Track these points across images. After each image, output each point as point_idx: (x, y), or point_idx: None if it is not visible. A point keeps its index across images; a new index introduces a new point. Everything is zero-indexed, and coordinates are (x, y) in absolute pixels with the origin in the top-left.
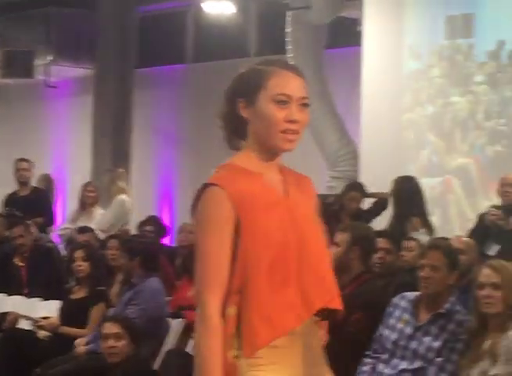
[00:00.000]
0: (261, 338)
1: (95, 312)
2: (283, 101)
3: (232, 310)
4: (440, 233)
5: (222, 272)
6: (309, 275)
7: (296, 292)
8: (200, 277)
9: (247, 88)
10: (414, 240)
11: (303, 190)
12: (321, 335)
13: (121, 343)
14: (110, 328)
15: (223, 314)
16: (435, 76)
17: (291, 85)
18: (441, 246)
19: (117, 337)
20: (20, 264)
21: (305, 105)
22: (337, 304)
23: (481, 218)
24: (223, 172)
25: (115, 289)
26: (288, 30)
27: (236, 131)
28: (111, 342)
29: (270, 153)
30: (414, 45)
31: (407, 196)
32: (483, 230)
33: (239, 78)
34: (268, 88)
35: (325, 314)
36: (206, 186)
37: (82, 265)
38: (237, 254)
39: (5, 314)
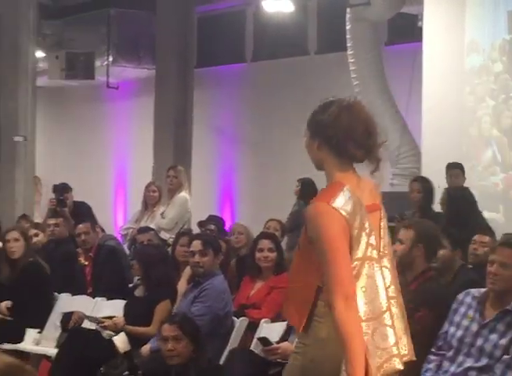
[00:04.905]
0: None
1: (160, 309)
2: None
3: None
4: (504, 230)
5: None
6: None
7: None
8: None
9: None
10: (489, 235)
11: None
12: None
13: (180, 345)
14: (169, 330)
15: None
16: (497, 71)
17: None
18: None
19: (175, 339)
20: (85, 263)
21: None
22: None
23: None
24: None
25: (181, 286)
26: (348, 27)
27: None
28: (170, 345)
29: None
30: (476, 40)
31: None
32: None
33: None
34: None
35: None
36: None
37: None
38: None
39: (69, 314)
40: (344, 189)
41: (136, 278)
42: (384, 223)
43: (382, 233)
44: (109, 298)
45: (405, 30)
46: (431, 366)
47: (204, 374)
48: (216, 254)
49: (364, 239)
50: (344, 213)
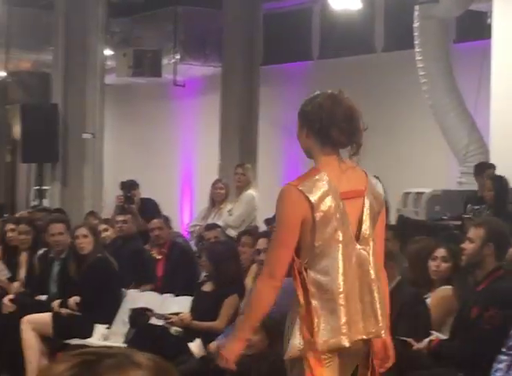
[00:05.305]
0: None
1: (228, 303)
2: None
3: None
4: None
5: None
6: None
7: None
8: None
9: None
10: None
11: None
12: None
13: (256, 337)
14: None
15: None
16: None
17: None
18: None
19: None
20: (158, 257)
21: None
22: None
23: None
24: None
25: (247, 284)
26: (416, 24)
27: None
28: None
29: None
30: None
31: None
32: None
33: None
34: None
35: None
36: None
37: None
38: None
39: (137, 310)
40: (318, 175)
41: (203, 274)
42: (366, 209)
43: (364, 218)
44: (177, 295)
45: (474, 28)
46: (502, 366)
47: (277, 370)
48: None
49: (333, 222)
50: (309, 196)
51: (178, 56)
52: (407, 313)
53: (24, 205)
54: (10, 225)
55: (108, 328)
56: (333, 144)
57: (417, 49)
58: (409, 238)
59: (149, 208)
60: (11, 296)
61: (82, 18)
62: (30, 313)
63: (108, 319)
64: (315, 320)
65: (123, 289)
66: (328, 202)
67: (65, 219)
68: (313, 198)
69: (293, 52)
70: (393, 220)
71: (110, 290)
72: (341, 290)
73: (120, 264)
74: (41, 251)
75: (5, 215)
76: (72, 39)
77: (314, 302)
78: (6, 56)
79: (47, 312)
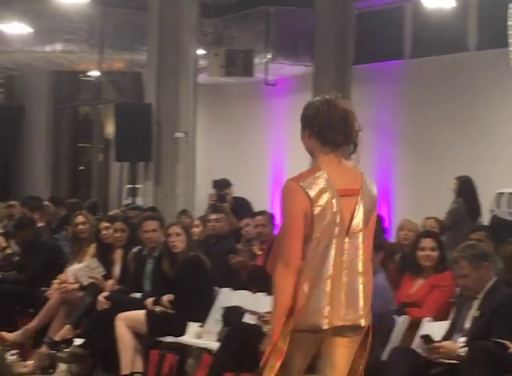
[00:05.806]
0: None
1: None
2: None
3: None
4: None
5: None
6: None
7: None
8: None
9: None
10: None
11: None
12: None
13: None
14: None
15: None
16: None
17: None
18: None
19: None
20: (258, 253)
21: None
22: None
23: None
24: None
25: None
26: (510, 22)
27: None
28: None
29: None
30: None
31: None
32: None
33: None
34: None
35: None
36: None
37: None
38: None
39: (230, 308)
40: (318, 172)
41: None
42: (358, 206)
43: (355, 215)
44: (269, 294)
45: None
46: None
47: (367, 369)
48: (377, 251)
49: (329, 216)
50: (308, 191)
51: (269, 56)
52: (503, 315)
53: (117, 204)
54: (105, 223)
55: (201, 326)
56: (332, 144)
57: (511, 48)
58: (504, 239)
59: (243, 207)
60: (106, 293)
61: (175, 18)
62: (124, 311)
63: (201, 318)
64: (301, 302)
65: (216, 287)
66: (325, 198)
67: (159, 217)
68: (312, 193)
69: (385, 51)
70: (486, 220)
71: (203, 288)
72: (327, 276)
73: (212, 262)
74: (135, 249)
75: (98, 214)
76: (165, 39)
77: (303, 287)
78: (100, 55)
79: (141, 309)
